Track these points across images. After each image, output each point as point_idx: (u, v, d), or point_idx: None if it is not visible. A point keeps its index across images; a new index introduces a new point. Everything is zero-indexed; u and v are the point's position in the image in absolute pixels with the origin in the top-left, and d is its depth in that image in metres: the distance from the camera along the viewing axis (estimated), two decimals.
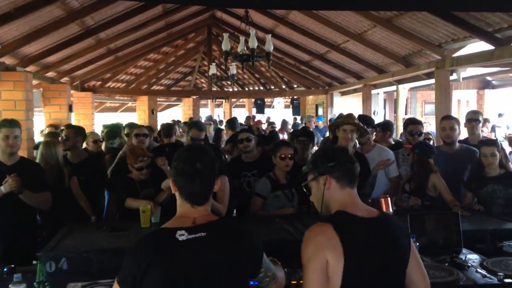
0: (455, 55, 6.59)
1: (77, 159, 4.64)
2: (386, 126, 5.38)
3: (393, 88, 9.95)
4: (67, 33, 7.19)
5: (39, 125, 8.76)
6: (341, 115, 7.81)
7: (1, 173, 3.47)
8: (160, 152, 4.63)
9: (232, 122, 8.97)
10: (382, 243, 1.84)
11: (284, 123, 11.80)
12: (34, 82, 7.70)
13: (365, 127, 4.15)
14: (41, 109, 9.16)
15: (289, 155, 3.99)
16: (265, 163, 4.31)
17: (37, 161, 4.19)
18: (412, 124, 4.94)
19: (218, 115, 20.53)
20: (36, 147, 4.67)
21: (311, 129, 7.86)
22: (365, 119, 4.59)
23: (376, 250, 1.82)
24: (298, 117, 14.72)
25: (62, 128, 7.27)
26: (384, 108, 13.47)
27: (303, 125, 10.57)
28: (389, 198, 3.32)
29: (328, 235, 1.77)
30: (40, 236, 3.91)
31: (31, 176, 3.62)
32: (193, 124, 4.80)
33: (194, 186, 1.80)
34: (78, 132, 4.82)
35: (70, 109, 9.28)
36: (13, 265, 2.74)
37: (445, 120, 4.53)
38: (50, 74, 8.81)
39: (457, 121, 4.49)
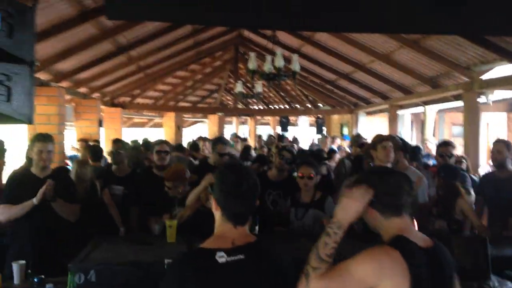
0: (484, 77, 6.52)
1: (122, 173, 4.76)
2: (414, 154, 5.29)
3: (420, 109, 9.86)
4: (99, 51, 7.43)
5: (70, 139, 9.00)
6: (358, 135, 7.78)
7: (34, 185, 3.58)
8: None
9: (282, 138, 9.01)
10: (439, 274, 1.77)
11: (295, 140, 11.76)
12: (67, 97, 7.95)
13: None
14: (72, 124, 9.42)
15: (309, 175, 3.99)
16: (291, 185, 4.35)
17: (72, 176, 4.32)
18: (443, 146, 4.90)
19: (243, 134, 20.63)
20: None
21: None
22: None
23: (434, 281, 1.75)
24: (319, 136, 14.73)
25: (91, 142, 7.47)
26: (411, 129, 13.32)
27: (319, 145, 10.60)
28: (415, 222, 3.28)
29: (395, 261, 1.68)
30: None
31: (62, 188, 3.73)
32: (218, 139, 4.87)
33: (240, 207, 1.83)
34: (125, 147, 4.98)
35: (100, 124, 9.52)
36: (43, 276, 2.81)
37: (494, 143, 4.48)
38: (82, 89, 9.07)
39: (506, 144, 4.39)
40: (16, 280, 2.98)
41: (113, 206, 4.35)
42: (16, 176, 3.76)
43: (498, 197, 4.11)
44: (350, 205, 1.83)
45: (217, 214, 1.89)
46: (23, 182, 3.67)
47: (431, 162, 6.28)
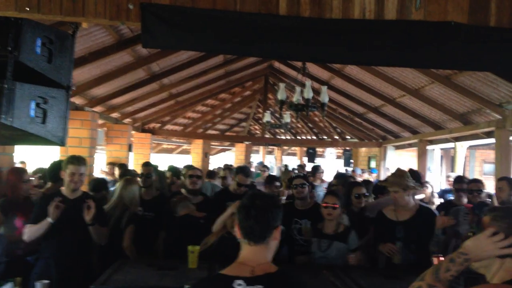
0: None
1: (150, 196, 4.82)
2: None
3: (450, 145, 9.69)
4: (133, 78, 7.66)
5: (100, 162, 9.19)
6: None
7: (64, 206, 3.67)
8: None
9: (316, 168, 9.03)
10: None
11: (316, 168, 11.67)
12: (99, 121, 8.18)
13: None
14: (103, 147, 9.64)
15: (333, 205, 3.96)
16: (317, 212, 4.33)
17: (114, 196, 4.38)
18: (473, 182, 4.85)
19: (270, 162, 20.66)
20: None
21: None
22: (413, 174, 4.53)
23: None
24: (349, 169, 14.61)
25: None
26: (441, 165, 13.08)
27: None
28: (442, 258, 3.20)
29: None
30: None
31: (96, 211, 3.80)
32: (240, 169, 4.86)
33: (251, 221, 1.84)
34: (156, 170, 5.05)
35: (130, 148, 9.70)
36: None
37: (498, 181, 4.62)
38: (115, 115, 9.32)
39: (508, 181, 4.43)
40: None
41: (128, 248, 4.25)
42: (46, 197, 3.83)
43: None
44: (488, 247, 1.77)
45: (241, 241, 1.91)
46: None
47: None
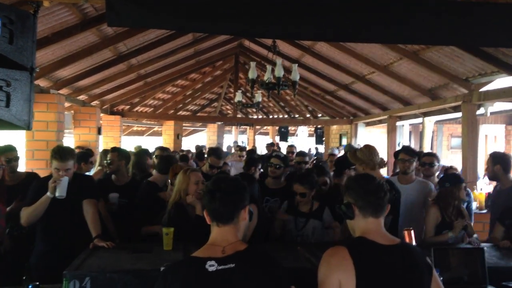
0: (482, 89, 6.54)
1: (122, 182, 4.71)
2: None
3: (419, 120, 9.89)
4: (100, 59, 7.45)
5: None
6: (350, 145, 7.74)
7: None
8: None
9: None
10: (397, 269, 1.92)
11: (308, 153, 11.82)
12: (66, 104, 7.96)
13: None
14: (71, 131, 9.42)
15: (302, 192, 3.95)
16: (289, 193, 4.36)
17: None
18: (426, 155, 5.03)
19: (242, 142, 20.65)
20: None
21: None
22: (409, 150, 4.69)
23: (390, 275, 1.90)
24: (321, 146, 14.79)
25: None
26: (410, 140, 13.37)
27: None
28: (412, 231, 3.28)
29: (341, 257, 1.89)
30: None
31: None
32: (212, 151, 4.81)
33: (216, 204, 1.90)
34: (122, 155, 4.88)
35: (99, 131, 9.51)
36: (38, 283, 2.79)
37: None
38: (82, 97, 9.09)
39: (492, 157, 4.38)
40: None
41: (108, 219, 4.25)
42: (40, 181, 3.82)
43: (493, 207, 4.17)
44: None
45: (211, 223, 1.96)
46: (45, 186, 3.68)
47: None
